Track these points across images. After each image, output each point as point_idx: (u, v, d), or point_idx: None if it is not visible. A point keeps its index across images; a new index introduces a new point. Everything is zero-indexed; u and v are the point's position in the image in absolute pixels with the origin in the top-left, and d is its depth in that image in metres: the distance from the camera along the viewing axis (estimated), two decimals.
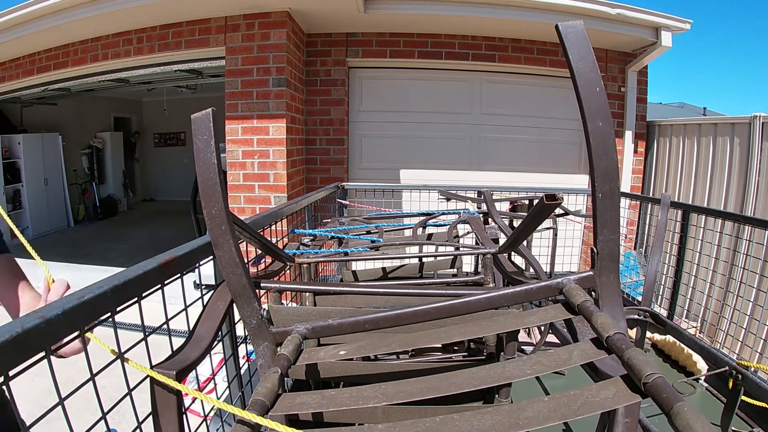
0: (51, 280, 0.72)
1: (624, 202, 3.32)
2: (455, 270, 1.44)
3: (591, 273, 0.58)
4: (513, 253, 1.01)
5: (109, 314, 0.55)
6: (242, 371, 0.99)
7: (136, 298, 0.60)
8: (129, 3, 3.09)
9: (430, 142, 4.08)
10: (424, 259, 1.44)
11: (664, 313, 2.53)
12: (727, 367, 0.91)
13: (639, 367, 0.41)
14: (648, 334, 1.73)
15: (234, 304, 0.68)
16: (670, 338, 1.82)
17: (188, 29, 3.36)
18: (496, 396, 0.84)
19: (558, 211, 2.19)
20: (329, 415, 0.68)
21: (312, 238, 1.34)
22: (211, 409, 0.87)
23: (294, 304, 1.30)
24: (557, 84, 4.04)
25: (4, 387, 0.40)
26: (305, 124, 3.90)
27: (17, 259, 0.90)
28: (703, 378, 1.56)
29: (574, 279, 0.59)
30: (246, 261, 0.72)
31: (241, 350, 0.99)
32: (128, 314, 0.62)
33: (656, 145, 4.24)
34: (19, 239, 0.78)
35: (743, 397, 0.91)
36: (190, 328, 0.66)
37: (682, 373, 1.71)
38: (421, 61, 3.91)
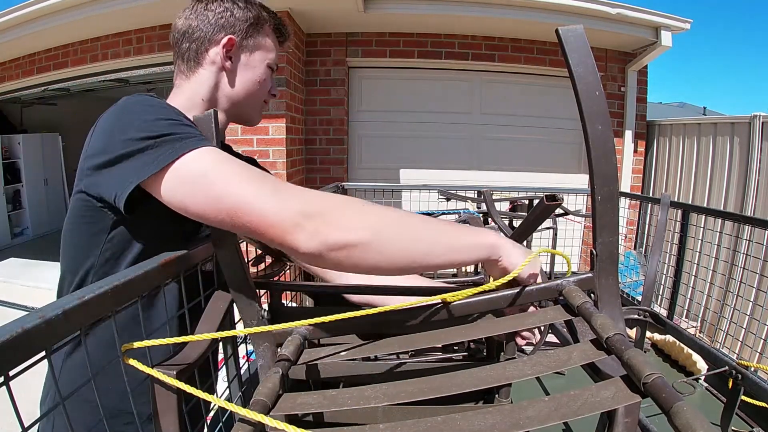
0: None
1: (624, 202, 3.32)
2: (455, 270, 1.44)
3: (590, 275, 0.58)
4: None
5: (109, 314, 0.55)
6: (242, 371, 0.99)
7: (136, 298, 0.60)
8: (129, 3, 3.09)
9: (430, 142, 4.08)
10: None
11: (664, 313, 2.53)
12: (726, 367, 0.91)
13: (638, 368, 0.41)
14: (648, 333, 1.73)
15: (234, 304, 0.68)
16: (670, 338, 1.82)
17: None
18: (496, 396, 0.84)
19: (558, 211, 2.19)
20: (330, 416, 0.69)
21: None
22: (212, 408, 0.87)
23: (294, 304, 1.31)
24: (557, 84, 4.04)
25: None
26: (305, 124, 3.90)
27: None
28: (702, 378, 1.56)
29: (574, 281, 0.60)
30: (246, 261, 0.72)
31: (241, 350, 0.99)
32: None
33: (656, 145, 4.24)
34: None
35: (743, 397, 0.91)
36: (191, 329, 0.66)
37: (682, 373, 1.71)
38: (421, 60, 3.91)
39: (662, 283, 2.82)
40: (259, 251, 0.94)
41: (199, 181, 0.56)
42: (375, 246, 0.54)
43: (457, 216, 1.57)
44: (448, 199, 2.23)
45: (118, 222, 0.66)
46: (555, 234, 2.18)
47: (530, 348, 0.87)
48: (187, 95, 0.78)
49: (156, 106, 0.63)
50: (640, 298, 2.19)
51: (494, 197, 2.02)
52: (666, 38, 3.64)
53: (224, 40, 0.76)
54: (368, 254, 0.54)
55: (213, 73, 0.77)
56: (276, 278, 0.92)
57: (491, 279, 0.65)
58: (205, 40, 0.76)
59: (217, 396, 0.82)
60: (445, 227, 0.60)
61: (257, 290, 0.69)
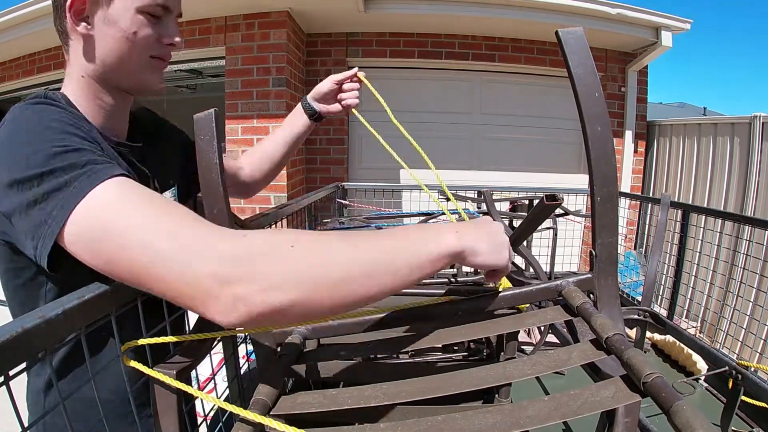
0: None
1: (624, 202, 3.32)
2: (455, 270, 1.43)
3: (590, 276, 0.59)
4: (513, 253, 1.01)
5: (109, 314, 0.55)
6: (242, 371, 0.99)
7: (136, 298, 0.60)
8: None
9: (430, 141, 4.07)
10: None
11: (664, 313, 2.53)
12: (726, 367, 0.91)
13: (638, 367, 0.41)
14: (648, 334, 1.73)
15: None
16: (670, 338, 1.82)
17: (188, 29, 3.36)
18: (496, 396, 0.84)
19: (558, 211, 2.18)
20: (330, 415, 0.69)
21: None
22: (212, 408, 0.87)
23: None
24: (557, 84, 4.04)
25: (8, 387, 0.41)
26: None
27: None
28: (702, 378, 1.56)
29: (573, 281, 0.60)
30: None
31: (241, 350, 0.99)
32: None
33: (656, 145, 4.24)
34: None
35: (743, 397, 0.91)
36: (191, 329, 0.66)
37: (682, 373, 1.71)
38: (421, 60, 3.91)
39: (662, 283, 2.82)
40: None
41: (94, 237, 0.47)
42: (314, 300, 0.44)
43: (457, 216, 1.57)
44: (448, 199, 2.22)
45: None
46: (555, 234, 2.17)
47: (530, 348, 0.87)
48: (72, 76, 0.67)
49: (35, 126, 0.54)
50: (640, 298, 2.19)
51: (494, 197, 2.02)
52: (666, 38, 3.64)
53: (68, 1, 0.62)
54: (308, 309, 0.44)
55: (79, 41, 0.65)
56: None
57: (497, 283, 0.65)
58: (61, 6, 0.63)
59: (217, 396, 0.82)
60: (397, 246, 0.49)
61: None
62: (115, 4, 0.62)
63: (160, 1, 0.64)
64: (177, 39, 0.69)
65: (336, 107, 1.06)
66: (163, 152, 0.80)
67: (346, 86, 1.06)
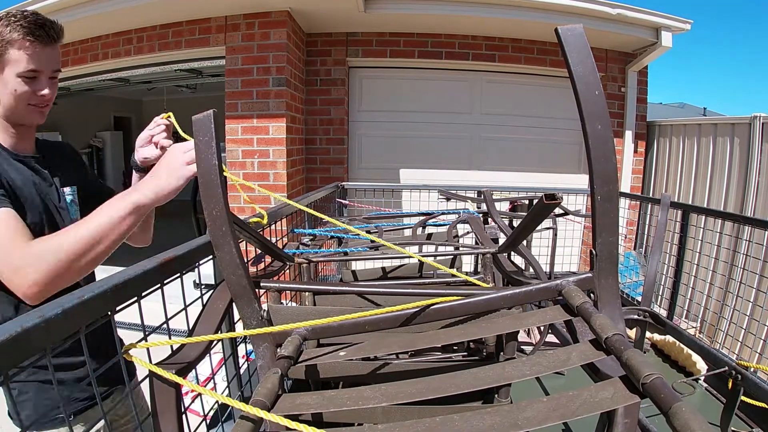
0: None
1: (624, 202, 3.31)
2: (455, 270, 1.43)
3: (590, 275, 0.58)
4: (513, 252, 1.01)
5: (108, 314, 0.55)
6: (242, 371, 0.99)
7: (135, 298, 0.60)
8: (129, 3, 3.09)
9: (430, 141, 4.07)
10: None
11: (663, 313, 2.53)
12: (726, 368, 0.91)
13: (637, 368, 0.41)
14: (648, 334, 1.73)
15: (234, 304, 0.68)
16: (669, 338, 1.82)
17: (188, 29, 3.36)
18: (496, 396, 0.84)
19: (558, 210, 2.18)
20: (329, 416, 0.69)
21: (312, 237, 1.34)
22: (211, 408, 0.87)
23: (294, 304, 1.30)
24: (557, 84, 4.04)
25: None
26: (305, 124, 3.90)
27: None
28: (702, 378, 1.56)
29: (573, 281, 0.60)
30: (246, 260, 0.72)
31: (241, 350, 0.99)
32: (128, 314, 0.62)
33: (656, 145, 4.24)
34: None
35: (743, 398, 0.91)
36: (190, 328, 0.66)
37: (682, 373, 1.71)
38: (421, 60, 3.91)
39: (662, 283, 2.82)
40: (259, 251, 0.94)
41: None
42: (63, 268, 0.76)
43: (456, 216, 1.57)
44: (448, 199, 2.22)
45: None
46: (555, 234, 2.17)
47: (530, 348, 0.87)
48: None
49: None
50: (640, 298, 2.19)
51: (494, 197, 2.02)
52: (666, 39, 3.64)
53: None
54: (65, 272, 0.76)
55: None
56: (276, 278, 0.92)
57: (489, 279, 0.65)
58: None
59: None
60: (103, 213, 0.81)
61: (257, 290, 0.69)
62: (6, 71, 0.93)
63: (31, 67, 0.94)
64: (45, 92, 0.98)
65: (151, 151, 1.14)
66: (66, 164, 1.12)
67: (155, 130, 1.16)
